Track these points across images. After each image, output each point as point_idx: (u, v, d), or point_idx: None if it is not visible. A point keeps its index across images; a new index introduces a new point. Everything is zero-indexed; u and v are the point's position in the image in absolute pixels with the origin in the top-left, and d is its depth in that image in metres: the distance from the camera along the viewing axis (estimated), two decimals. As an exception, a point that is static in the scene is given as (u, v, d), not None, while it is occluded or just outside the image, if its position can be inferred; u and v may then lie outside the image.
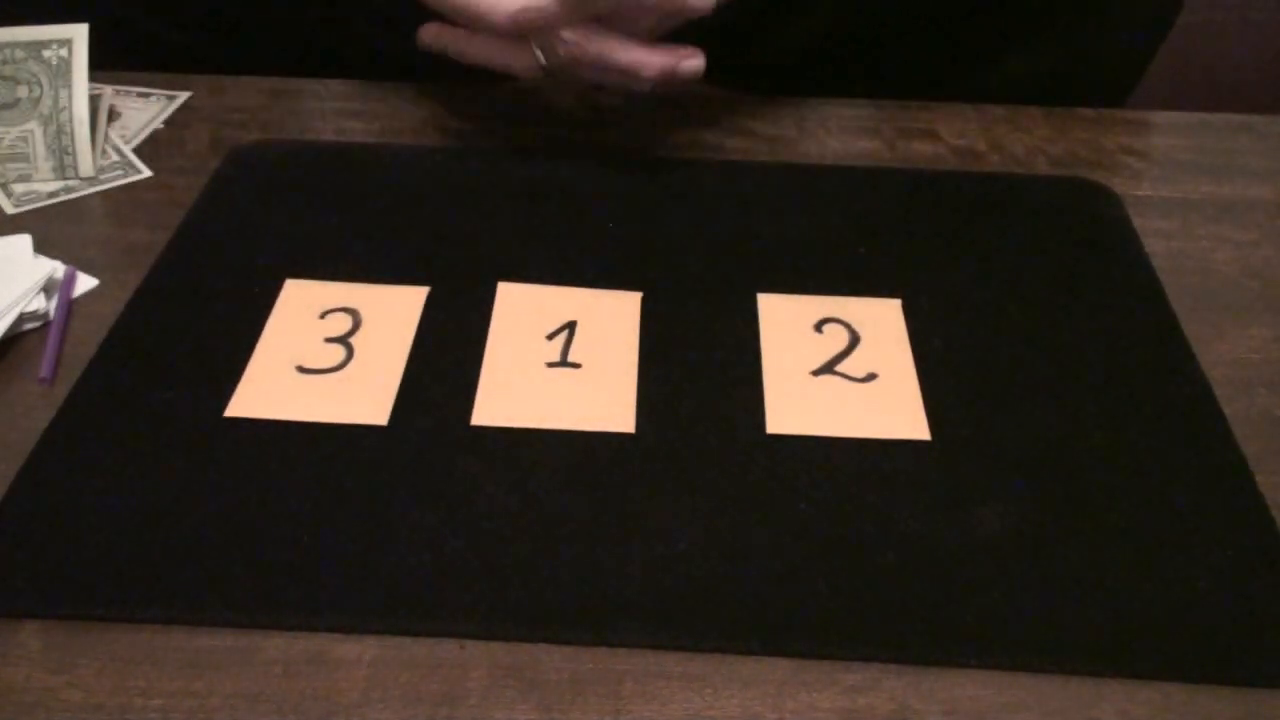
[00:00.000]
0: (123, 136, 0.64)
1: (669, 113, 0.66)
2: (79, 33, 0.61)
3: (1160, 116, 0.68)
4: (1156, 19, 0.74)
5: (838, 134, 0.65)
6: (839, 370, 0.50)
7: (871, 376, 0.49)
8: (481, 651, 0.39)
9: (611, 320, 0.52)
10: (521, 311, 0.52)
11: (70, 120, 0.60)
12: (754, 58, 0.71)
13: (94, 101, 0.63)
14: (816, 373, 0.49)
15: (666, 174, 0.61)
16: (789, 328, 0.52)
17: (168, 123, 0.65)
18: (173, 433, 0.46)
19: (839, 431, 0.47)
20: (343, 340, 0.51)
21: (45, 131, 0.60)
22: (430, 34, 0.57)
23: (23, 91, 0.60)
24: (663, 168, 0.61)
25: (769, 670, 0.39)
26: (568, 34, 0.53)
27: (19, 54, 0.60)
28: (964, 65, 0.73)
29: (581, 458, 0.46)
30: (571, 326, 0.51)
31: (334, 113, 0.66)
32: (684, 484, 0.45)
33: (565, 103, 0.66)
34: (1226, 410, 0.48)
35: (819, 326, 0.52)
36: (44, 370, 0.49)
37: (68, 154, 0.60)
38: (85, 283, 0.54)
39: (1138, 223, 0.59)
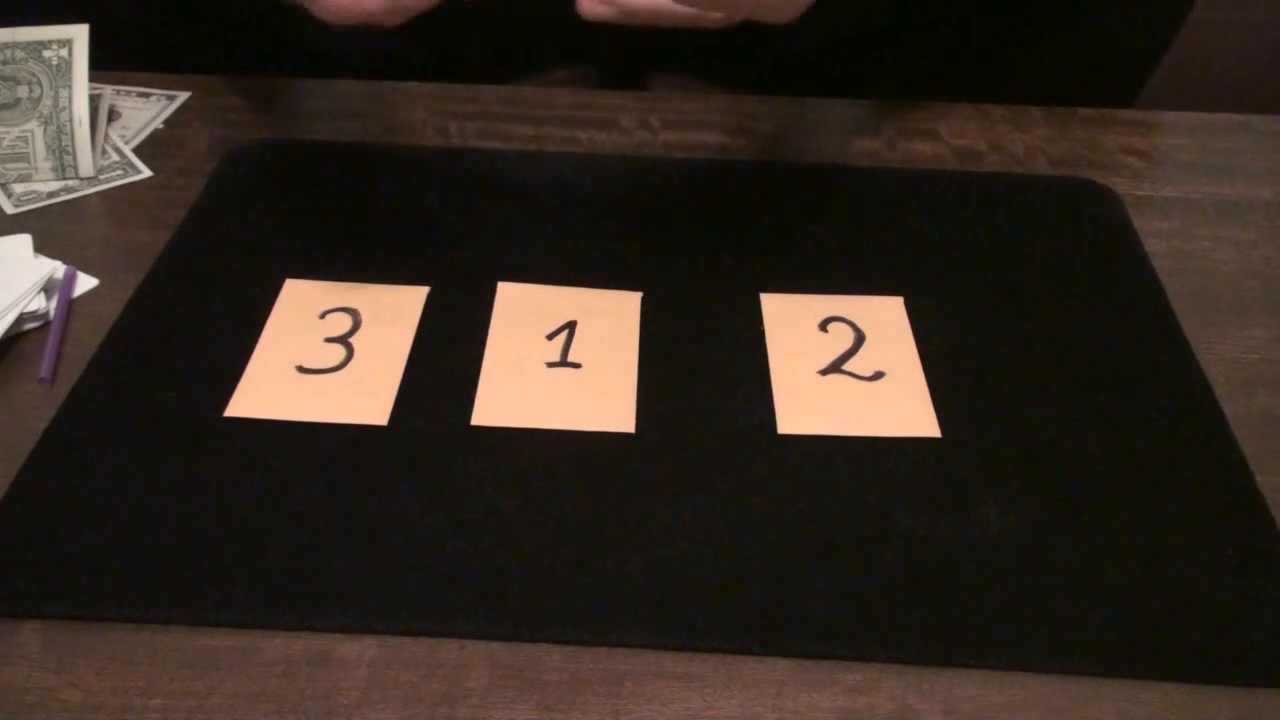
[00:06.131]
0: (123, 136, 0.64)
1: (670, 113, 0.66)
2: (79, 33, 0.61)
3: (1160, 116, 0.68)
4: (1163, 21, 0.74)
5: (838, 134, 0.65)
6: (846, 369, 0.50)
7: (879, 375, 0.49)
8: (481, 651, 0.39)
9: (611, 320, 0.52)
10: (521, 311, 0.52)
11: (70, 120, 0.60)
12: (754, 57, 0.71)
13: (94, 101, 0.63)
14: (824, 372, 0.49)
15: (666, 174, 0.61)
16: (793, 327, 0.51)
17: (168, 123, 0.65)
18: (173, 433, 0.46)
19: (850, 430, 0.47)
20: (343, 340, 0.51)
21: (45, 131, 0.60)
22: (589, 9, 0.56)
23: (23, 91, 0.60)
24: (663, 168, 0.61)
25: (769, 670, 0.39)
26: None
27: (19, 54, 0.60)
28: (967, 66, 0.73)
29: (581, 458, 0.45)
30: (571, 326, 0.51)
31: (334, 113, 0.66)
32: (684, 484, 0.45)
33: (565, 102, 0.66)
34: (1226, 410, 0.48)
35: (824, 325, 0.52)
36: (44, 370, 0.49)
37: (68, 154, 0.60)
38: (85, 283, 0.54)
39: (1138, 223, 0.59)
